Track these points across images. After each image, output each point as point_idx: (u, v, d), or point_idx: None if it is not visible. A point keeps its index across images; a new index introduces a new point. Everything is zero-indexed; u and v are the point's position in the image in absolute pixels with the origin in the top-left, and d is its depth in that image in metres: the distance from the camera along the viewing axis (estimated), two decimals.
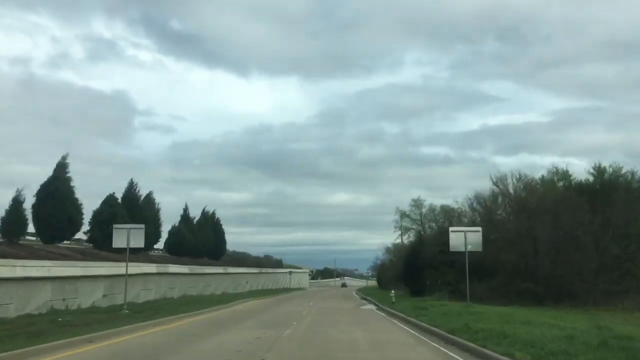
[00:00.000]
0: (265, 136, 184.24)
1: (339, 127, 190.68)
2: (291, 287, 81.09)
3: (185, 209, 48.69)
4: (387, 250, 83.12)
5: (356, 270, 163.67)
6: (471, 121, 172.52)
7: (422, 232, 54.65)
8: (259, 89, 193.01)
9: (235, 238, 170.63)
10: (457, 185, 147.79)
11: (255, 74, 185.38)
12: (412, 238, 58.42)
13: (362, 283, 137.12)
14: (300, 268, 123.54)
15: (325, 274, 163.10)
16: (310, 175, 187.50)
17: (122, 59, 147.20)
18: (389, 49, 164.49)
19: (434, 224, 55.67)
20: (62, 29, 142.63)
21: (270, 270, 74.21)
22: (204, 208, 53.90)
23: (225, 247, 57.67)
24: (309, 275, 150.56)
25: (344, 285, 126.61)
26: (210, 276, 46.11)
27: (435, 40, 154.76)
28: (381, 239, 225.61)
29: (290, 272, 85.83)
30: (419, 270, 38.25)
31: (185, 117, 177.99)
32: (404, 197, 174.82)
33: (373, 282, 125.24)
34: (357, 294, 60.18)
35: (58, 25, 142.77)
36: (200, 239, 48.22)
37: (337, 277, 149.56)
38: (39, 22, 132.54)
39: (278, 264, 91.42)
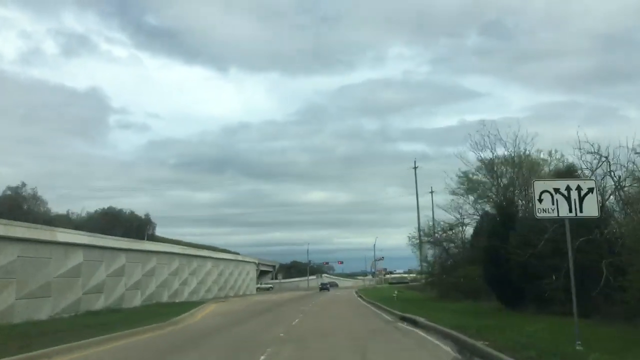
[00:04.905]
0: (242, 134, 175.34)
1: (318, 124, 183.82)
2: (147, 299, 33.84)
3: None
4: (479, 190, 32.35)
5: (341, 262, 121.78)
6: (449, 117, 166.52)
7: None
8: (237, 86, 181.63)
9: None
10: (432, 183, 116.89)
11: (233, 70, 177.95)
12: None
13: (347, 283, 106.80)
14: (238, 254, 73.11)
15: (295, 269, 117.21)
16: (287, 174, 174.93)
17: (96, 54, 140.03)
18: (371, 43, 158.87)
19: None
20: (33, 23, 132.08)
21: (60, 236, 24.89)
22: None
23: None
24: (271, 271, 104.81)
25: (324, 287, 78.01)
26: None
27: (419, 35, 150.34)
28: (359, 237, 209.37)
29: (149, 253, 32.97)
30: None
31: (161, 115, 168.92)
32: (380, 194, 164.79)
33: (371, 283, 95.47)
34: None
35: (29, 19, 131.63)
36: None
37: (311, 274, 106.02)
38: (7, 15, 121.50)
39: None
